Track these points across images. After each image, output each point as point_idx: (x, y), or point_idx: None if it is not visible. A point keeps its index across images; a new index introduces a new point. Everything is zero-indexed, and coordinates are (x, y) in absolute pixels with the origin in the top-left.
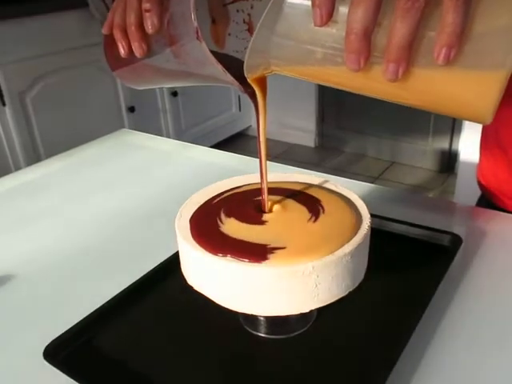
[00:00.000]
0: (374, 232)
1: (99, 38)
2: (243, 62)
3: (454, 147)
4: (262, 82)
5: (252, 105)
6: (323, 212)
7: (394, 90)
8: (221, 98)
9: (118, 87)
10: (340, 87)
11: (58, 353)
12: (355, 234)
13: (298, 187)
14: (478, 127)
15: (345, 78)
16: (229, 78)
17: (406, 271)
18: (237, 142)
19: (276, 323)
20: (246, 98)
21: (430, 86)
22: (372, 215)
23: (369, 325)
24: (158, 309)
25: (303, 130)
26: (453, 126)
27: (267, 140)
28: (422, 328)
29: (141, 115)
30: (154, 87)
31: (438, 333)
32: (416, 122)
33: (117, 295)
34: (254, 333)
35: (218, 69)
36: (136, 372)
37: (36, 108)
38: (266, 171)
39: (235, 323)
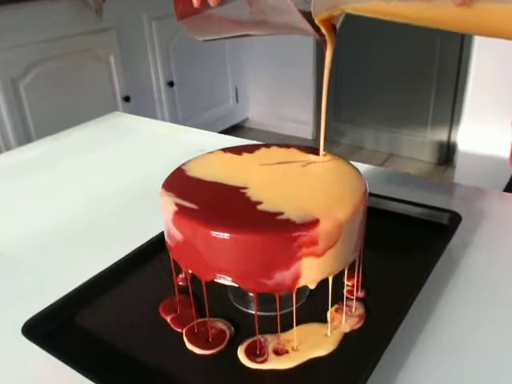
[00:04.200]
0: (371, 210)
1: (94, 26)
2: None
3: (452, 139)
4: (328, 23)
5: (250, 96)
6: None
7: (462, 17)
8: (218, 89)
9: (113, 76)
10: (407, 21)
11: (37, 329)
12: (356, 198)
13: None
14: (478, 118)
15: (411, 10)
16: (306, 25)
17: (404, 250)
18: (234, 134)
19: (266, 300)
20: (243, 90)
21: (496, 10)
22: (376, 195)
23: (364, 303)
24: (141, 287)
25: (301, 122)
26: (452, 118)
27: (265, 131)
28: (419, 306)
29: (136, 105)
30: (217, 38)
31: (436, 312)
32: (414, 113)
33: (99, 273)
34: (244, 310)
35: (296, 16)
36: (117, 350)
37: (29, 96)
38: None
39: (224, 300)
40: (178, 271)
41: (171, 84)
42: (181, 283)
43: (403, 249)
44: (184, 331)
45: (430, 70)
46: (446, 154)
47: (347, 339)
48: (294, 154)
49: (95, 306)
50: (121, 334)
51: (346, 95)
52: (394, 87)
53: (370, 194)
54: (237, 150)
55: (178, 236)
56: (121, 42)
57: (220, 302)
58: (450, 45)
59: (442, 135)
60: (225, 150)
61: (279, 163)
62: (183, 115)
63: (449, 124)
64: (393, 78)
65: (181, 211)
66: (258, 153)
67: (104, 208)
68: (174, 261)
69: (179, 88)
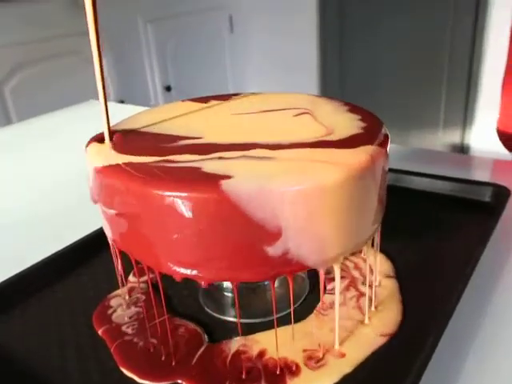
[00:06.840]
0: (399, 190)
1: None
2: None
3: (465, 142)
4: None
5: None
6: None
7: None
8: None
9: (106, 79)
10: None
11: None
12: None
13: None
14: (493, 120)
15: None
16: None
17: (437, 236)
18: None
19: (249, 302)
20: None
21: None
22: (396, 170)
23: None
24: (78, 290)
25: None
26: (465, 119)
27: None
28: (464, 309)
29: None
30: None
31: (483, 319)
32: (425, 114)
33: (18, 273)
34: (220, 317)
35: None
36: (34, 375)
37: (16, 100)
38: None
39: (193, 305)
40: (128, 270)
41: (168, 89)
42: (132, 284)
43: (435, 235)
44: (112, 348)
45: (441, 66)
46: None
47: (364, 364)
48: (289, 100)
49: (10, 316)
50: (42, 353)
51: (353, 95)
52: (403, 87)
53: (389, 170)
54: (204, 99)
55: (110, 210)
56: (115, 45)
57: (188, 306)
58: (460, 38)
59: (454, 137)
60: (184, 99)
61: (263, 112)
62: None
63: (462, 125)
64: (400, 77)
65: (102, 172)
66: (236, 100)
67: (62, 193)
68: (115, 252)
69: (177, 93)
